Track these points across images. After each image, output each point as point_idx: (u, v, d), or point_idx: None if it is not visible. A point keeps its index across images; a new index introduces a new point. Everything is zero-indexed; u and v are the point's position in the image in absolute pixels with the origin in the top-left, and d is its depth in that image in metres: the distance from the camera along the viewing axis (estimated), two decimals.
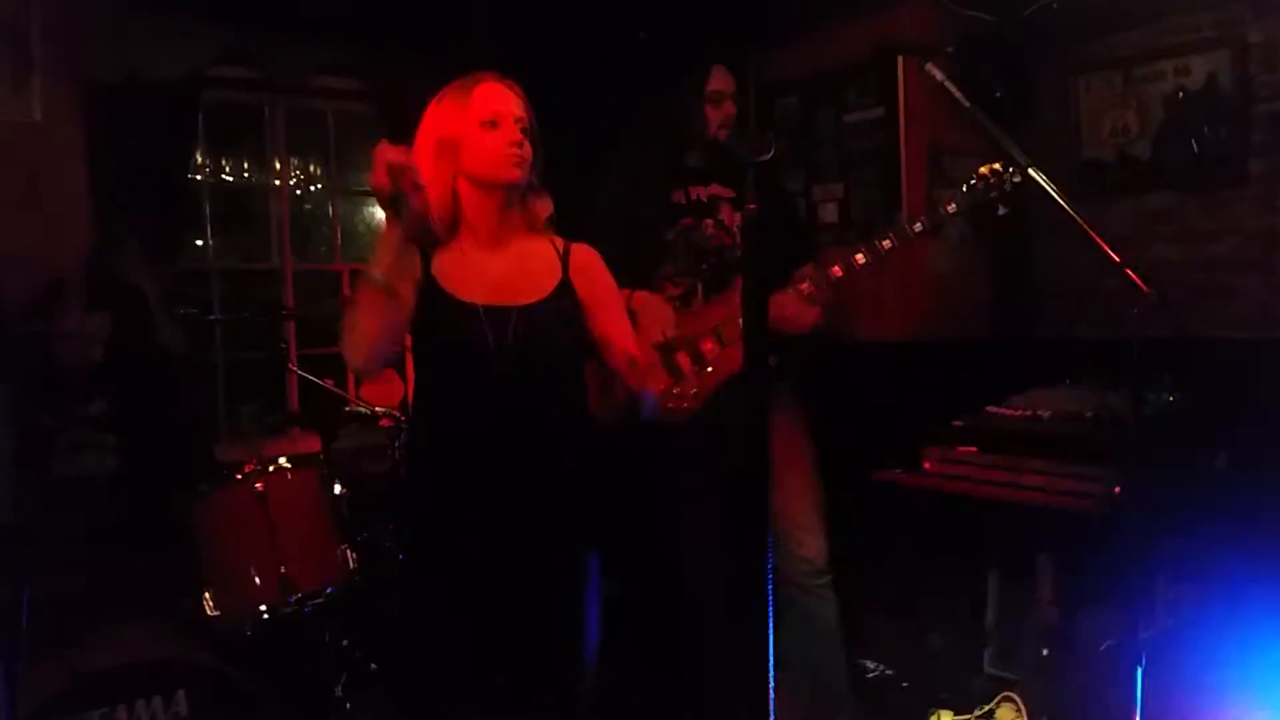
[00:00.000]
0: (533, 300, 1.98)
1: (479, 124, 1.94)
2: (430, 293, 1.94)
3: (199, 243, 4.22)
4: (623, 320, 2.13)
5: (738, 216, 2.88)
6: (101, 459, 2.79)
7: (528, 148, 1.97)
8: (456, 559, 1.96)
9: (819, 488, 2.86)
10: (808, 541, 2.80)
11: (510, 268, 2.00)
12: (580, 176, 2.75)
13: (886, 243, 2.63)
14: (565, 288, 2.03)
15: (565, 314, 2.02)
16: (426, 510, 2.01)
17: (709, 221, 2.86)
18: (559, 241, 2.08)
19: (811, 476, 2.86)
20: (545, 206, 2.07)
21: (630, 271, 2.79)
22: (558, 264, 2.05)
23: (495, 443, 1.93)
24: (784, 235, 2.98)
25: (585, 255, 2.10)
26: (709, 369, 2.67)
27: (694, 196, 2.87)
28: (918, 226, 2.64)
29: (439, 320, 1.94)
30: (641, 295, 2.72)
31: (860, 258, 2.65)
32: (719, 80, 2.84)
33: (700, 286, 2.84)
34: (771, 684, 1.44)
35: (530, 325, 1.95)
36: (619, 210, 2.86)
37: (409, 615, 2.10)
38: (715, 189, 2.88)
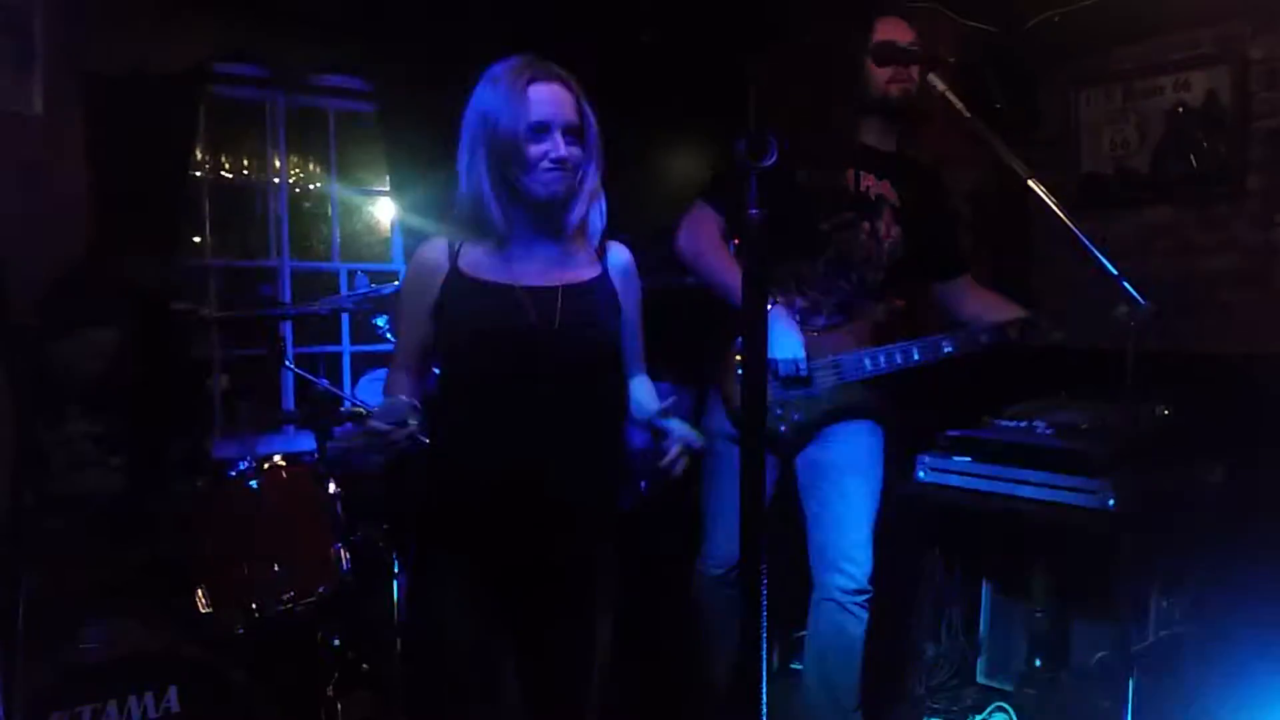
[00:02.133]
0: (578, 282, 1.92)
1: (526, 127, 1.82)
2: (459, 284, 1.88)
3: (197, 239, 4.22)
4: (640, 337, 2.07)
5: (896, 230, 2.69)
6: (103, 480, 2.76)
7: (576, 157, 1.86)
8: (477, 557, 1.90)
9: (878, 510, 2.78)
10: (857, 558, 2.72)
11: (548, 256, 1.93)
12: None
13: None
14: (604, 280, 1.97)
15: (610, 300, 1.96)
16: (448, 504, 1.95)
17: (867, 225, 2.66)
18: (599, 238, 2.01)
19: (874, 497, 2.76)
20: (598, 218, 1.96)
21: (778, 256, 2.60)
22: (595, 258, 1.98)
23: (534, 437, 1.86)
24: (945, 249, 2.89)
25: (623, 254, 2.04)
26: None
27: (865, 188, 2.67)
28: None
29: (472, 309, 1.88)
30: None
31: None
32: (891, 29, 2.62)
33: (830, 304, 2.69)
34: (764, 692, 1.44)
35: (578, 305, 1.89)
36: (784, 172, 2.66)
37: (420, 614, 2.05)
38: (886, 189, 2.69)
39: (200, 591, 2.72)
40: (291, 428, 4.03)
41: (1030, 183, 2.37)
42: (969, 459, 2.84)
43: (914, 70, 2.63)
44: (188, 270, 4.07)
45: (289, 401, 4.21)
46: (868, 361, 2.63)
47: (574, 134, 1.86)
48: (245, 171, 4.30)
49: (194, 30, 3.73)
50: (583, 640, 1.97)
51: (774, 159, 1.38)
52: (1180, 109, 3.57)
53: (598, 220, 1.95)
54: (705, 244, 2.65)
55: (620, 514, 2.02)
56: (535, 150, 1.82)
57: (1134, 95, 3.69)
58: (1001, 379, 3.29)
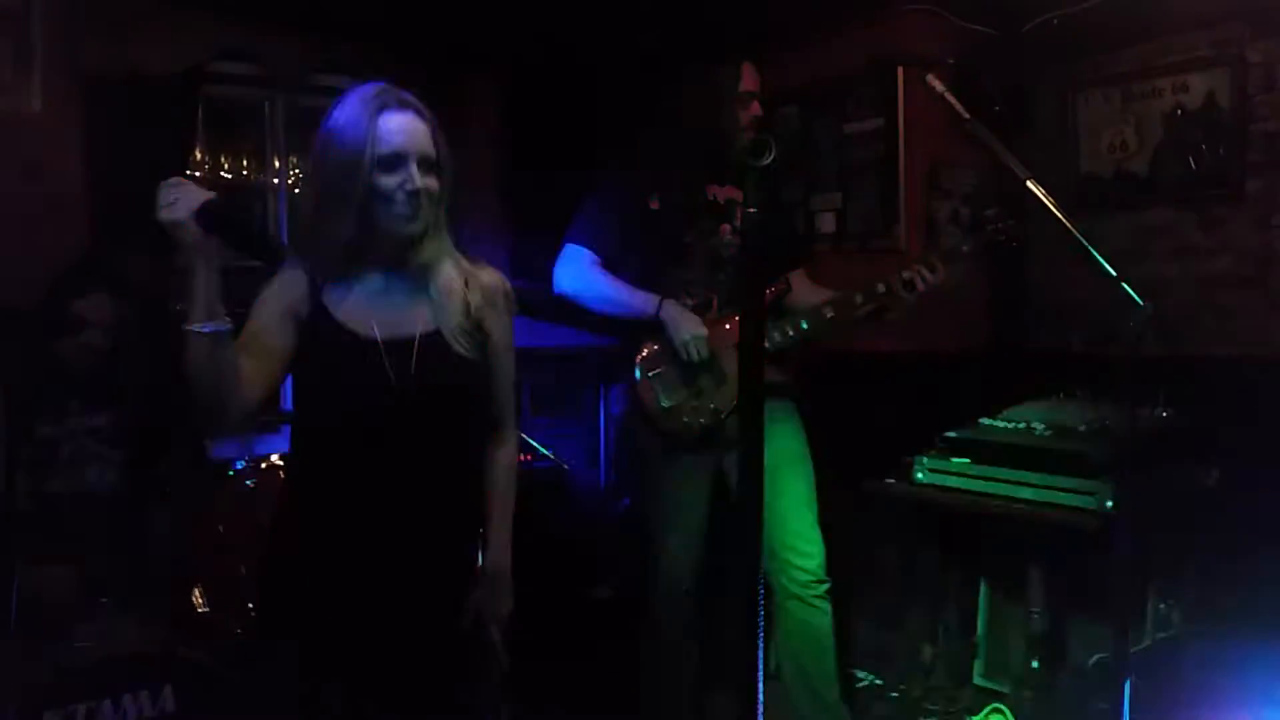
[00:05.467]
0: (431, 331, 1.79)
1: (378, 158, 1.70)
2: (317, 326, 1.75)
3: None
4: (510, 366, 1.94)
5: None
6: (104, 475, 2.76)
7: (432, 189, 1.74)
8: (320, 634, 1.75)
9: (817, 498, 2.85)
10: (806, 550, 2.79)
11: (402, 296, 1.81)
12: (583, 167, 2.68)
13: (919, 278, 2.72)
14: (464, 322, 1.83)
15: (468, 349, 1.82)
16: (292, 572, 1.80)
17: (725, 227, 2.82)
18: (464, 263, 1.88)
19: (811, 487, 2.85)
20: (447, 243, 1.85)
21: (647, 274, 2.78)
22: (463, 288, 1.84)
23: (383, 501, 1.75)
24: (779, 240, 2.99)
25: (493, 278, 1.90)
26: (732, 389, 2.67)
27: (712, 196, 2.83)
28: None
29: (327, 358, 1.75)
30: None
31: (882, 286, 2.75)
32: (750, 79, 2.79)
33: (716, 299, 2.81)
34: (760, 693, 1.44)
35: (432, 358, 1.77)
36: (640, 201, 2.80)
37: (260, 689, 1.86)
38: (732, 192, 2.83)
39: (197, 591, 2.72)
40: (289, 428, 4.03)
41: (1029, 184, 2.37)
42: (967, 460, 2.84)
43: (759, 116, 2.80)
44: (188, 270, 4.07)
45: (287, 402, 4.20)
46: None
47: (431, 166, 1.75)
48: (244, 171, 4.29)
49: (192, 30, 3.73)
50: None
51: (772, 159, 1.41)
52: (1179, 111, 3.57)
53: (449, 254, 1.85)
54: (585, 273, 2.80)
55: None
56: (387, 181, 1.71)
57: (1132, 98, 3.69)
58: (999, 380, 3.30)
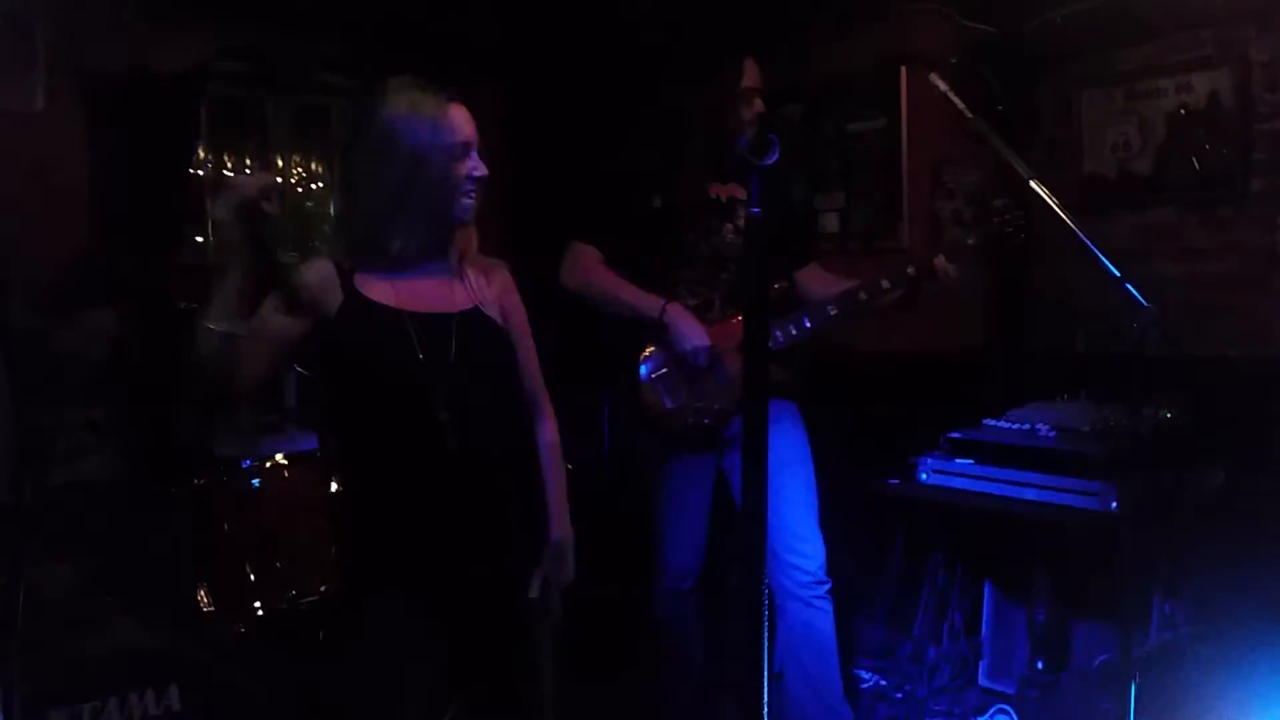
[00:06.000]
0: (467, 307, 1.88)
1: (456, 146, 1.81)
2: (353, 311, 1.79)
3: (199, 239, 4.21)
4: (533, 349, 2.05)
5: None
6: (102, 467, 2.77)
7: (487, 176, 1.86)
8: (405, 588, 1.81)
9: (818, 499, 2.85)
10: (806, 551, 2.79)
11: (437, 280, 1.89)
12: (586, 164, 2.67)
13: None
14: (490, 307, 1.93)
15: (501, 326, 1.93)
16: (368, 540, 1.86)
17: (728, 226, 2.81)
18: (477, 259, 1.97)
19: (812, 488, 2.84)
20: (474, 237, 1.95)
21: (649, 272, 2.77)
22: (481, 281, 1.94)
23: (448, 480, 1.80)
24: (782, 238, 2.98)
25: (505, 276, 2.01)
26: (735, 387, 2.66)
27: (714, 195, 2.82)
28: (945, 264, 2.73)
29: (371, 339, 1.79)
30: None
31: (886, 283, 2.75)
32: (752, 76, 2.76)
33: (718, 298, 2.80)
34: (765, 694, 1.43)
35: (469, 334, 1.84)
36: (643, 199, 2.80)
37: (355, 647, 1.88)
38: (734, 190, 2.81)
39: (202, 590, 2.73)
40: (294, 427, 4.03)
41: (1032, 183, 2.36)
42: (971, 461, 2.84)
43: (761, 113, 2.78)
44: (190, 269, 4.07)
45: (290, 399, 4.20)
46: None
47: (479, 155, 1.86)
48: (247, 170, 4.29)
49: (194, 29, 3.73)
50: (520, 664, 1.95)
51: (775, 159, 1.43)
52: (1182, 111, 3.56)
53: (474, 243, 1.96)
54: (591, 271, 2.80)
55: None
56: (460, 170, 1.82)
57: (1136, 97, 3.68)
58: (1003, 381, 3.30)
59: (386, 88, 1.83)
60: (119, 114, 3.56)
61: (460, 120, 1.83)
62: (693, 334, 2.69)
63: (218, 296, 1.68)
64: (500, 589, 1.91)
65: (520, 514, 1.95)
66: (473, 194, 1.85)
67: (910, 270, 2.74)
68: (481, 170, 1.84)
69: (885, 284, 2.76)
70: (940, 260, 2.72)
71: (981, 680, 3.23)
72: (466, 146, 1.83)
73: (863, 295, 2.76)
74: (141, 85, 3.59)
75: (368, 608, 1.84)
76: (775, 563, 2.78)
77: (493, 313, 1.92)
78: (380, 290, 1.82)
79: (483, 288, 1.92)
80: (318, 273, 1.82)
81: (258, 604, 2.73)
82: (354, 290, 1.81)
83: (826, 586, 2.80)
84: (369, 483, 1.85)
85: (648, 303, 2.74)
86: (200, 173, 4.10)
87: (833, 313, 2.77)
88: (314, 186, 4.46)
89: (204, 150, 4.12)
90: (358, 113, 1.91)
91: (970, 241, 2.81)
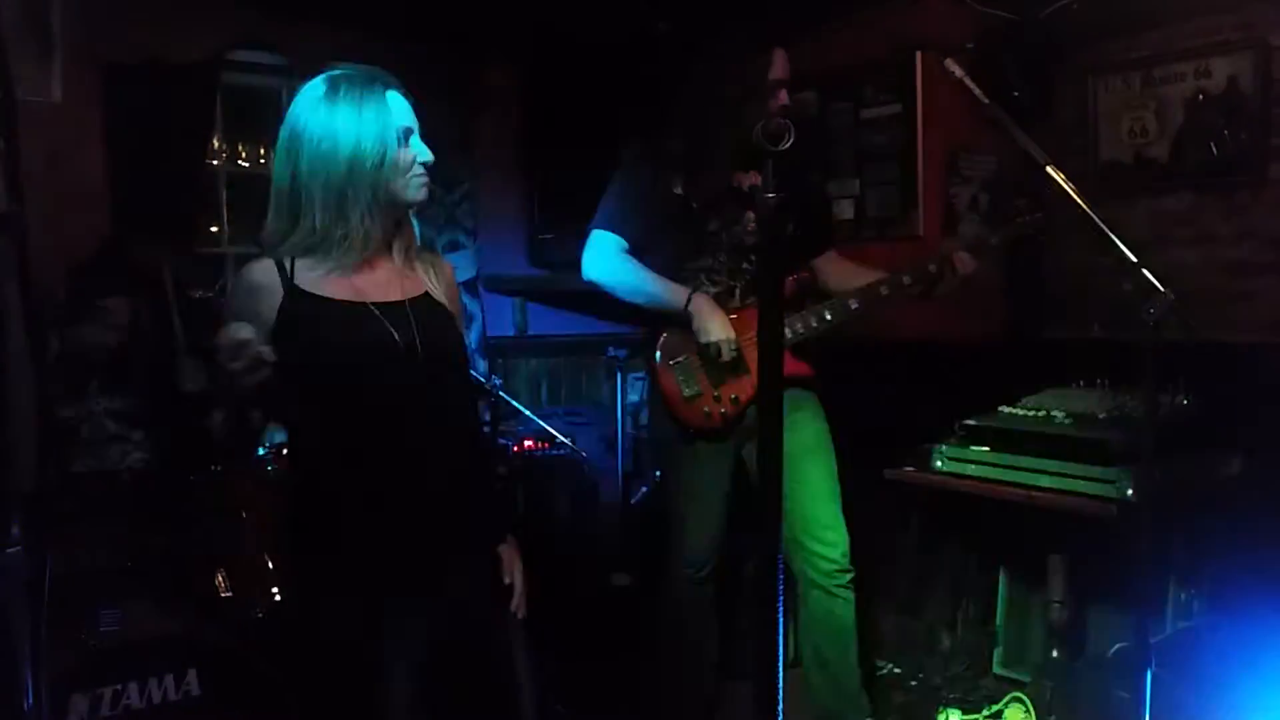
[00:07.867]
0: (420, 294, 1.86)
1: (399, 133, 1.79)
2: (302, 304, 1.76)
3: (214, 228, 4.23)
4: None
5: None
6: (126, 454, 2.80)
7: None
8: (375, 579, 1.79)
9: (839, 486, 2.84)
10: (830, 539, 2.78)
11: (389, 271, 1.87)
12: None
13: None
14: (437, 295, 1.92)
15: (450, 313, 1.93)
16: (328, 536, 1.81)
17: (750, 215, 2.79)
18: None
19: (833, 475, 2.84)
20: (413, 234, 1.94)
21: (671, 261, 2.76)
22: (427, 272, 1.93)
23: (401, 454, 1.79)
24: (801, 227, 2.97)
25: (449, 270, 2.00)
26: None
27: (737, 184, 2.80)
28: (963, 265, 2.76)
29: (324, 331, 1.76)
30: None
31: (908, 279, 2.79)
32: (781, 67, 2.72)
33: (738, 287, 2.80)
34: (780, 681, 1.44)
35: (429, 320, 1.84)
36: (665, 188, 2.77)
37: (309, 646, 1.86)
38: (756, 179, 2.81)
39: (221, 575, 2.75)
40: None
41: (1048, 169, 2.35)
42: (986, 448, 2.83)
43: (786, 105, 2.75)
44: (205, 258, 4.09)
45: None
46: (787, 331, 2.68)
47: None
48: (262, 160, 4.31)
49: (210, 19, 3.75)
50: (493, 659, 1.94)
51: (789, 144, 1.42)
52: (1201, 96, 3.53)
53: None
54: (614, 261, 2.78)
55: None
56: (402, 157, 1.79)
57: (1153, 82, 3.66)
58: (1018, 368, 3.28)
59: (319, 80, 1.84)
60: (136, 105, 3.58)
61: (397, 107, 1.81)
62: (719, 326, 2.68)
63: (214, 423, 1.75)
64: (474, 574, 1.91)
65: (486, 496, 1.97)
66: (423, 176, 1.83)
67: (932, 267, 2.77)
68: (426, 155, 1.82)
69: (907, 279, 2.78)
70: (963, 257, 2.73)
71: (996, 668, 3.23)
72: (407, 132, 1.81)
73: (884, 290, 2.79)
74: (158, 76, 3.61)
75: (327, 608, 1.81)
76: (799, 551, 2.78)
77: (441, 298, 1.91)
78: (337, 286, 1.79)
79: (431, 277, 1.91)
80: (250, 281, 1.79)
81: (275, 590, 2.75)
82: (305, 292, 1.77)
83: (850, 575, 2.79)
84: (335, 474, 1.80)
85: (672, 293, 2.73)
86: (215, 162, 4.12)
87: (854, 306, 2.78)
88: None
89: (219, 140, 4.14)
90: (291, 108, 1.86)
91: (993, 242, 2.85)
